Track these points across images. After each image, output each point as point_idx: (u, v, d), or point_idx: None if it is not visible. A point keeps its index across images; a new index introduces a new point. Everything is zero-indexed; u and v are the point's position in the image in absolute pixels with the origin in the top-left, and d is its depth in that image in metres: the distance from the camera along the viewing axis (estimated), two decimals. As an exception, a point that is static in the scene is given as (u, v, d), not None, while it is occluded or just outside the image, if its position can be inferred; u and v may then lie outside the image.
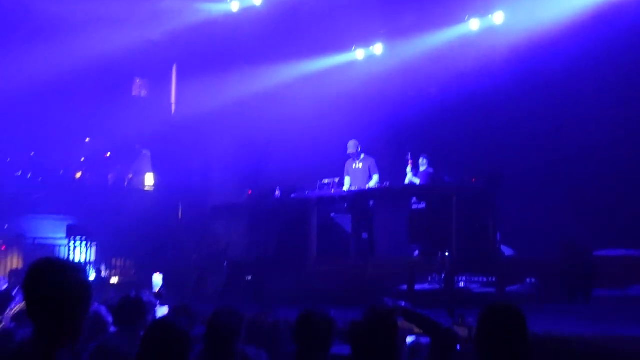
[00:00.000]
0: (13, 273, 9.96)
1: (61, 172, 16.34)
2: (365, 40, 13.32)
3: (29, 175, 15.98)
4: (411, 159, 10.24)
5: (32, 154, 15.83)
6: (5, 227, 15.44)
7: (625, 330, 5.09)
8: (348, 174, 10.50)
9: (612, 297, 8.54)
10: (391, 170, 10.62)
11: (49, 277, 1.98)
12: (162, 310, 5.22)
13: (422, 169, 10.63)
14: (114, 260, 14.18)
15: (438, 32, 11.98)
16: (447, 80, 11.42)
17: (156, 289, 6.67)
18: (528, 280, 9.51)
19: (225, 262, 10.89)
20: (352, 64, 13.51)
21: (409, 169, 10.24)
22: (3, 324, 5.38)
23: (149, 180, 16.42)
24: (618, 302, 8.18)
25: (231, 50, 13.38)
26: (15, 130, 14.97)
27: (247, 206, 11.46)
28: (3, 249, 15.56)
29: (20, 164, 15.78)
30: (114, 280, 13.95)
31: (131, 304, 4.42)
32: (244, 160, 13.32)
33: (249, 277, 10.75)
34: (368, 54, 13.47)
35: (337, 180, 10.72)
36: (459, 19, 11.97)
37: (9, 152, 15.22)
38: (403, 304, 3.75)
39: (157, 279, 6.88)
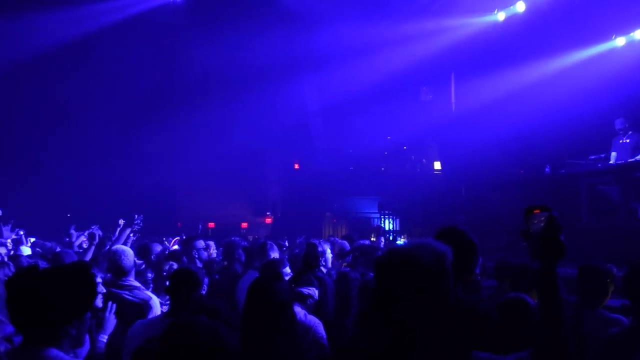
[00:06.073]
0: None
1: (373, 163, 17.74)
2: (625, 27, 11.73)
3: (351, 168, 17.51)
4: None
5: (350, 150, 17.38)
6: (335, 206, 17.27)
7: None
8: (615, 149, 9.61)
9: None
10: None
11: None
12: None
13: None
14: (412, 229, 14.83)
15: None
16: None
17: None
18: None
19: (501, 229, 10.75)
20: (611, 52, 11.94)
21: None
22: None
23: (437, 165, 16.80)
24: None
25: (499, 53, 12.91)
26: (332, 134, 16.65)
27: (519, 182, 11.17)
28: (335, 221, 17.30)
29: (341, 160, 17.30)
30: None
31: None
32: (515, 144, 12.87)
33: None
34: (629, 40, 11.84)
35: (602, 155, 9.92)
36: None
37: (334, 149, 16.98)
38: None
39: None
